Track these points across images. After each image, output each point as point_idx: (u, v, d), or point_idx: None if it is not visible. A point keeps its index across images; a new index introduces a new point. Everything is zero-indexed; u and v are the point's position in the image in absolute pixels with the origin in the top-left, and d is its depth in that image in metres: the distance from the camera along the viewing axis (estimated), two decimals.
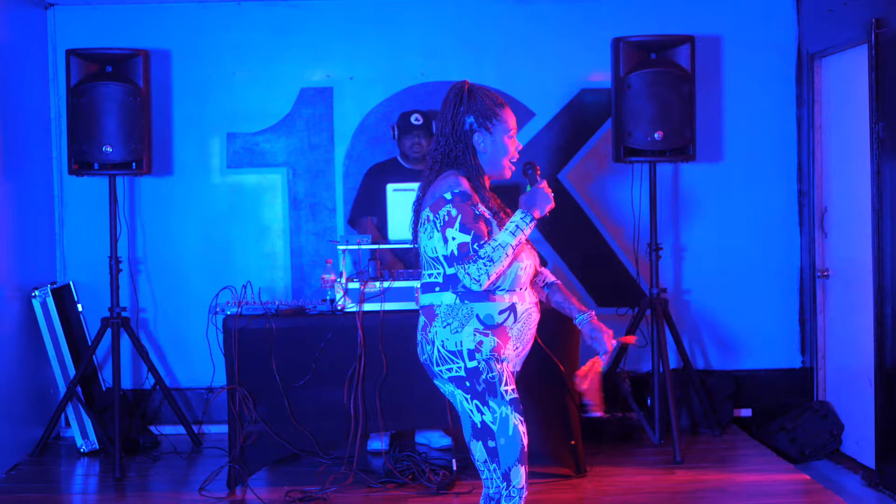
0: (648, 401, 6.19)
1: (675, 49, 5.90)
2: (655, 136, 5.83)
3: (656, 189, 6.05)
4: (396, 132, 6.05)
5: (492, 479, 3.46)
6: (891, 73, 5.35)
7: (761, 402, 6.60)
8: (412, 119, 6.01)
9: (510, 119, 3.60)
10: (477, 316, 3.48)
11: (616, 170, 6.53)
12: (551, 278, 3.80)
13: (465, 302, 3.49)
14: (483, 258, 3.40)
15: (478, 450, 3.47)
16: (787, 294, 6.68)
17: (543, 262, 6.54)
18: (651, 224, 6.02)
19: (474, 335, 3.47)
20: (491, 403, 3.45)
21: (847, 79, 6.05)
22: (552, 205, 3.54)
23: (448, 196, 3.47)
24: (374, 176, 6.14)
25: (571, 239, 6.64)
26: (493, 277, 3.42)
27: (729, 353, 6.69)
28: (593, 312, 3.71)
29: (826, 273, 6.36)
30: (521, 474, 3.45)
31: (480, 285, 3.42)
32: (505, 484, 3.44)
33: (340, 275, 5.22)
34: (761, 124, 6.66)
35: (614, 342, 3.65)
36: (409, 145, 6.03)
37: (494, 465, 3.45)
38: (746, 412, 6.57)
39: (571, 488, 5.21)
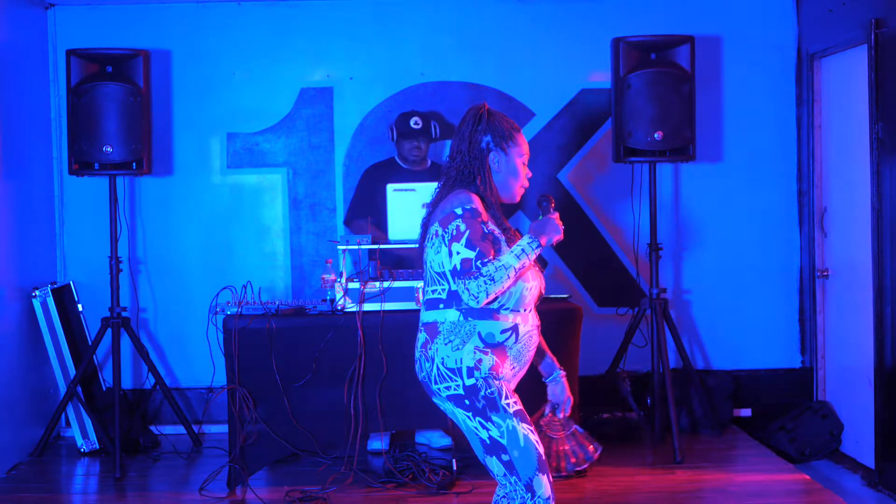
0: (648, 401, 6.20)
1: (674, 49, 5.90)
2: (655, 136, 5.83)
3: (656, 189, 6.05)
4: (395, 134, 6.05)
5: (515, 491, 3.40)
6: (890, 73, 5.35)
7: (761, 401, 6.61)
8: (412, 123, 6.01)
9: (524, 144, 3.64)
10: (479, 334, 3.46)
11: (616, 170, 6.53)
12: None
13: (469, 319, 3.47)
14: (485, 276, 3.38)
15: (494, 465, 3.43)
16: (787, 294, 6.68)
17: (544, 264, 6.59)
18: (651, 224, 6.02)
19: (474, 352, 3.45)
20: (494, 418, 3.41)
21: (847, 79, 6.05)
22: (561, 236, 3.55)
23: (459, 211, 3.47)
24: (371, 176, 6.14)
25: (571, 239, 6.55)
26: (491, 297, 3.41)
27: (729, 353, 6.69)
28: (564, 373, 3.82)
29: (826, 273, 6.36)
30: (543, 484, 3.38)
31: (478, 302, 3.40)
32: (530, 495, 3.37)
33: (340, 275, 5.22)
34: (761, 124, 6.66)
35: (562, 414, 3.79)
36: (408, 149, 6.04)
37: (514, 477, 3.39)
38: (746, 412, 6.57)
39: (571, 488, 5.21)
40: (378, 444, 5.84)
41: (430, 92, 6.57)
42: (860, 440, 5.92)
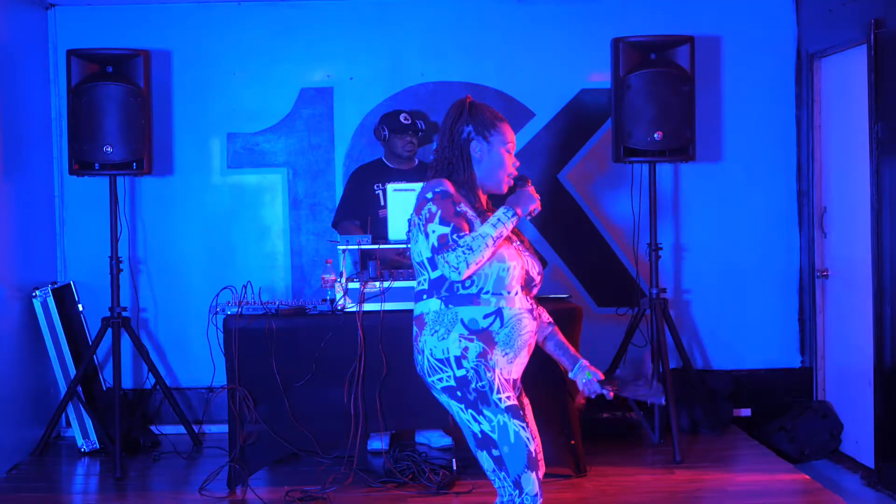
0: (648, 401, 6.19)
1: (674, 49, 5.90)
2: (655, 136, 5.83)
3: (656, 189, 6.06)
4: (386, 133, 6.05)
5: (504, 487, 3.42)
6: (890, 74, 5.35)
7: (761, 401, 6.61)
8: (401, 119, 6.03)
9: (509, 133, 3.64)
10: (462, 321, 3.47)
11: (616, 170, 6.53)
12: (547, 318, 3.75)
13: (450, 306, 3.48)
14: (462, 246, 3.40)
15: (484, 460, 3.45)
16: (787, 294, 6.68)
17: (544, 263, 6.59)
18: (651, 224, 6.02)
19: (459, 341, 3.46)
20: (486, 412, 3.42)
21: (846, 79, 6.06)
22: (537, 205, 3.57)
23: (429, 196, 3.51)
24: (357, 178, 6.14)
25: (571, 239, 6.64)
26: (472, 268, 3.41)
27: (729, 353, 6.69)
28: (585, 361, 3.71)
29: (825, 273, 6.37)
30: (532, 481, 3.40)
31: (460, 274, 3.41)
32: (517, 492, 3.39)
33: (340, 275, 5.22)
34: (761, 124, 6.66)
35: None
36: (401, 145, 6.04)
37: (503, 473, 3.41)
38: (746, 412, 6.57)
39: (571, 488, 5.21)
40: (378, 444, 5.84)
41: (431, 92, 6.57)
42: (860, 440, 5.93)
